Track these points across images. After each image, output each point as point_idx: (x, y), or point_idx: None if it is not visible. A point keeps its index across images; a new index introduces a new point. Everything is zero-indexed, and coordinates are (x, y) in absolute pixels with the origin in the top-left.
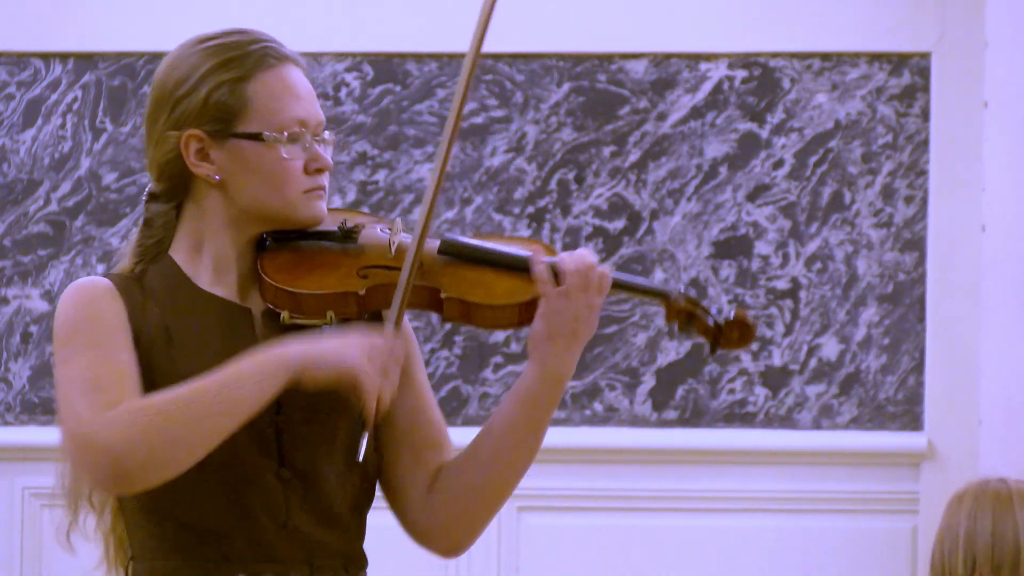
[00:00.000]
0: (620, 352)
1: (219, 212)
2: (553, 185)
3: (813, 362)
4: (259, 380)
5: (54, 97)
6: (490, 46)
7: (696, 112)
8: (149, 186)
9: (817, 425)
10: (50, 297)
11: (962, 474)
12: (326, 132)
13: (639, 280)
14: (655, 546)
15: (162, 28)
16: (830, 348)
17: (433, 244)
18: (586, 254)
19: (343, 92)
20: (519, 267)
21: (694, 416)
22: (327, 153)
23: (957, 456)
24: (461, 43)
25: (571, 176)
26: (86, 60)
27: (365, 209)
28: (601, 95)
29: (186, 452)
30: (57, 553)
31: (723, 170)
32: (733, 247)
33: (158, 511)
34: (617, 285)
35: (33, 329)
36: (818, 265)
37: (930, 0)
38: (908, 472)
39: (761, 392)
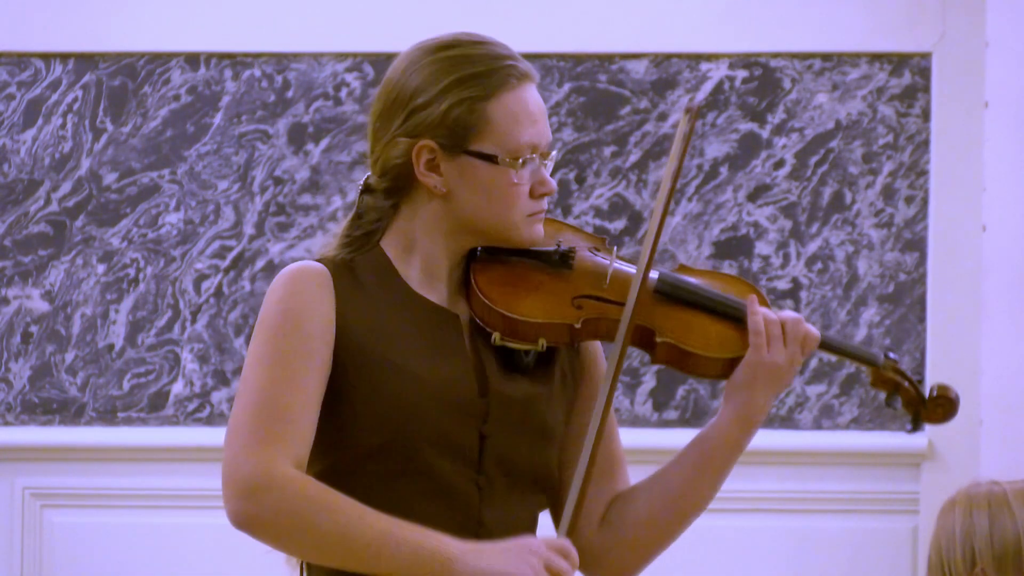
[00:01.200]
0: None
1: (437, 221)
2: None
3: (814, 362)
4: (413, 561)
5: (54, 97)
6: None
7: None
8: (367, 177)
9: (818, 425)
10: (50, 297)
11: (962, 474)
12: (553, 151)
13: (847, 344)
14: None
15: (162, 28)
16: None
17: (651, 279)
18: (795, 316)
19: (343, 92)
20: (734, 316)
21: (694, 416)
22: (551, 175)
23: (957, 456)
24: None
25: (572, 176)
26: (86, 60)
27: None
28: (602, 95)
29: (305, 554)
30: (58, 553)
31: (724, 170)
32: (734, 247)
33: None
34: (824, 346)
35: (33, 329)
36: (819, 265)
37: (930, 0)
38: (908, 472)
39: None
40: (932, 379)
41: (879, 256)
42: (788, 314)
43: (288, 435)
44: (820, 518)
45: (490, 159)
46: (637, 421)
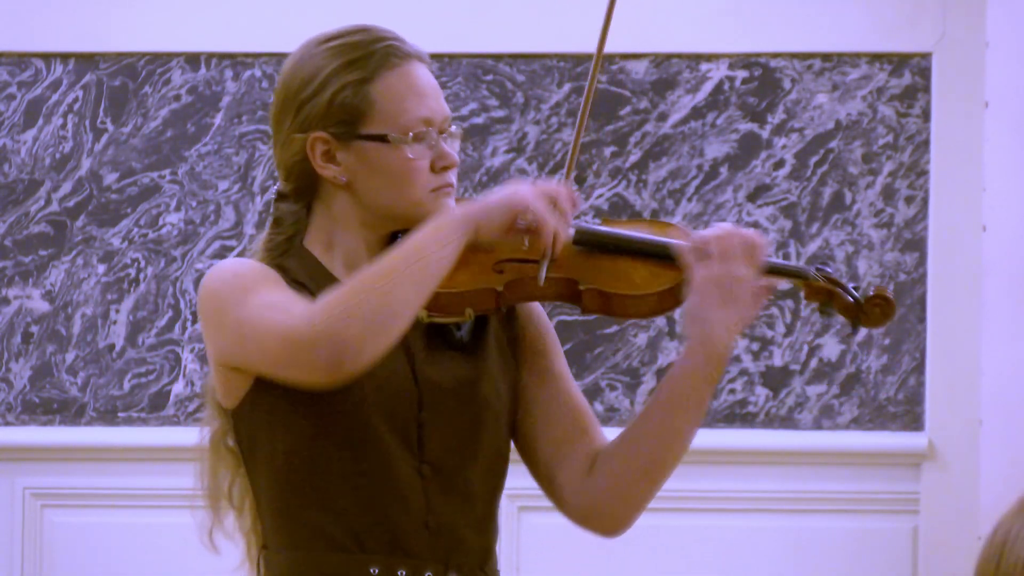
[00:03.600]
0: (621, 352)
1: (348, 212)
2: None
3: (814, 362)
4: (440, 246)
5: (55, 97)
6: (491, 47)
7: (697, 112)
8: (278, 185)
9: (818, 425)
10: (51, 297)
11: (962, 474)
12: (452, 126)
13: (779, 262)
14: (655, 546)
15: (162, 28)
16: (831, 348)
17: (568, 233)
18: (729, 225)
19: None
20: (658, 254)
21: None
22: (454, 148)
23: (957, 456)
24: (462, 43)
25: (572, 176)
26: (87, 60)
27: None
28: (602, 95)
29: (392, 319)
30: (58, 553)
31: (724, 170)
32: None
33: (293, 503)
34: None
35: (34, 329)
36: (819, 265)
37: (930, 0)
38: (908, 472)
39: (762, 392)
40: (932, 379)
41: (879, 256)
42: (723, 225)
43: (297, 301)
44: (820, 518)
45: (381, 139)
46: None
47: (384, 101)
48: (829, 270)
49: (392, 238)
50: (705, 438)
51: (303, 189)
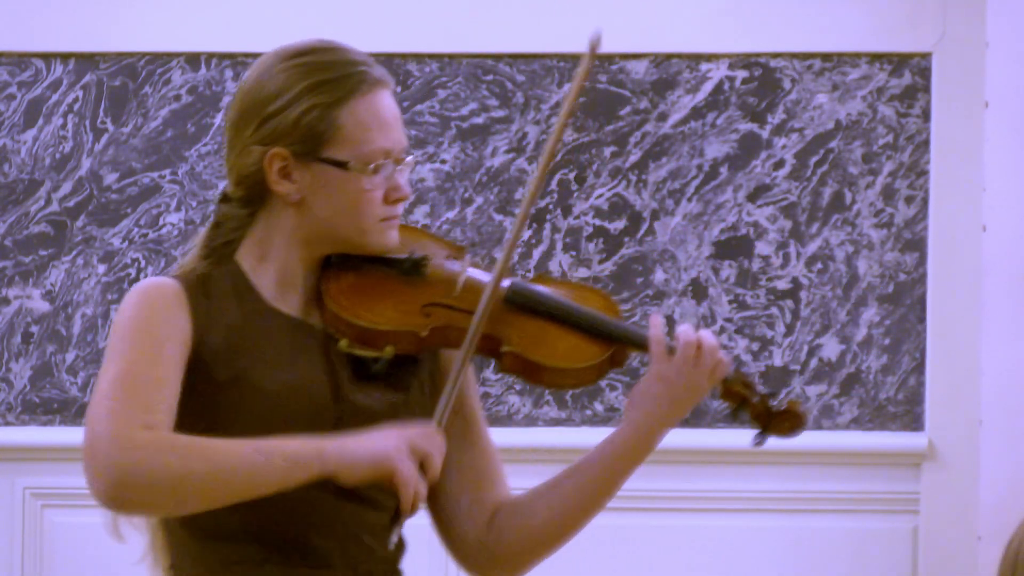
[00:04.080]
0: None
1: (291, 229)
2: (554, 185)
3: (814, 362)
4: (289, 465)
5: (55, 97)
6: (491, 47)
7: (697, 112)
8: (224, 186)
9: (818, 425)
10: (51, 297)
11: (962, 474)
12: (408, 156)
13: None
14: (655, 546)
15: (163, 28)
16: (831, 348)
17: (503, 287)
18: (709, 337)
19: None
20: (585, 328)
21: (694, 416)
22: (405, 179)
23: (957, 456)
24: (462, 43)
25: (572, 176)
26: (87, 60)
27: None
28: (602, 95)
29: (187, 504)
30: (58, 553)
31: (724, 170)
32: (734, 247)
33: (200, 518)
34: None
35: (34, 329)
36: (819, 265)
37: (930, 0)
38: (908, 472)
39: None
40: (932, 379)
41: (879, 256)
42: (705, 336)
43: (151, 403)
44: (820, 518)
45: (341, 165)
46: None
47: (350, 128)
48: (743, 370)
49: (327, 261)
50: (705, 438)
51: (251, 198)
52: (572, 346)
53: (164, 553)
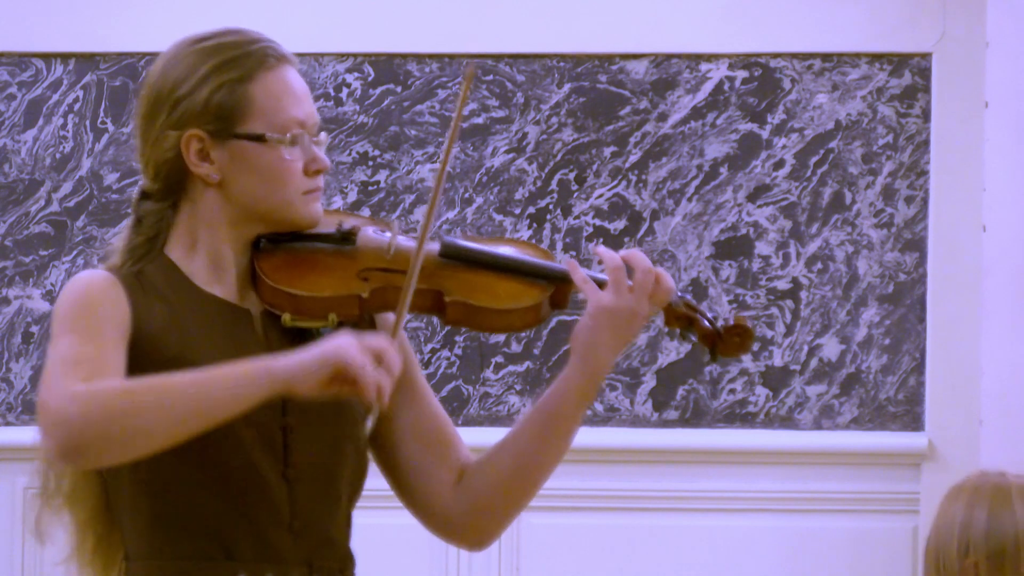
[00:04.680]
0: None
1: (216, 212)
2: (554, 185)
3: (814, 362)
4: (236, 386)
5: (55, 97)
6: (491, 47)
7: (697, 112)
8: (140, 184)
9: (818, 425)
10: (51, 297)
11: (962, 474)
12: (321, 133)
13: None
14: (655, 546)
15: (162, 28)
16: (831, 348)
17: (434, 247)
18: (642, 257)
19: (344, 93)
20: (519, 271)
21: (695, 416)
22: (323, 153)
23: (957, 456)
24: (462, 43)
25: (572, 176)
26: (87, 60)
27: (366, 210)
28: (602, 95)
29: (144, 440)
30: (58, 554)
31: (724, 170)
32: (734, 247)
33: (157, 511)
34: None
35: (34, 329)
36: (819, 265)
37: (930, 0)
38: (908, 472)
39: (762, 392)
40: (932, 379)
41: (879, 256)
42: (636, 255)
43: (96, 368)
44: (820, 518)
45: (258, 139)
46: (637, 421)
47: (261, 100)
48: (690, 298)
49: (255, 243)
50: (705, 438)
51: (170, 188)
52: (512, 288)
53: (117, 547)
